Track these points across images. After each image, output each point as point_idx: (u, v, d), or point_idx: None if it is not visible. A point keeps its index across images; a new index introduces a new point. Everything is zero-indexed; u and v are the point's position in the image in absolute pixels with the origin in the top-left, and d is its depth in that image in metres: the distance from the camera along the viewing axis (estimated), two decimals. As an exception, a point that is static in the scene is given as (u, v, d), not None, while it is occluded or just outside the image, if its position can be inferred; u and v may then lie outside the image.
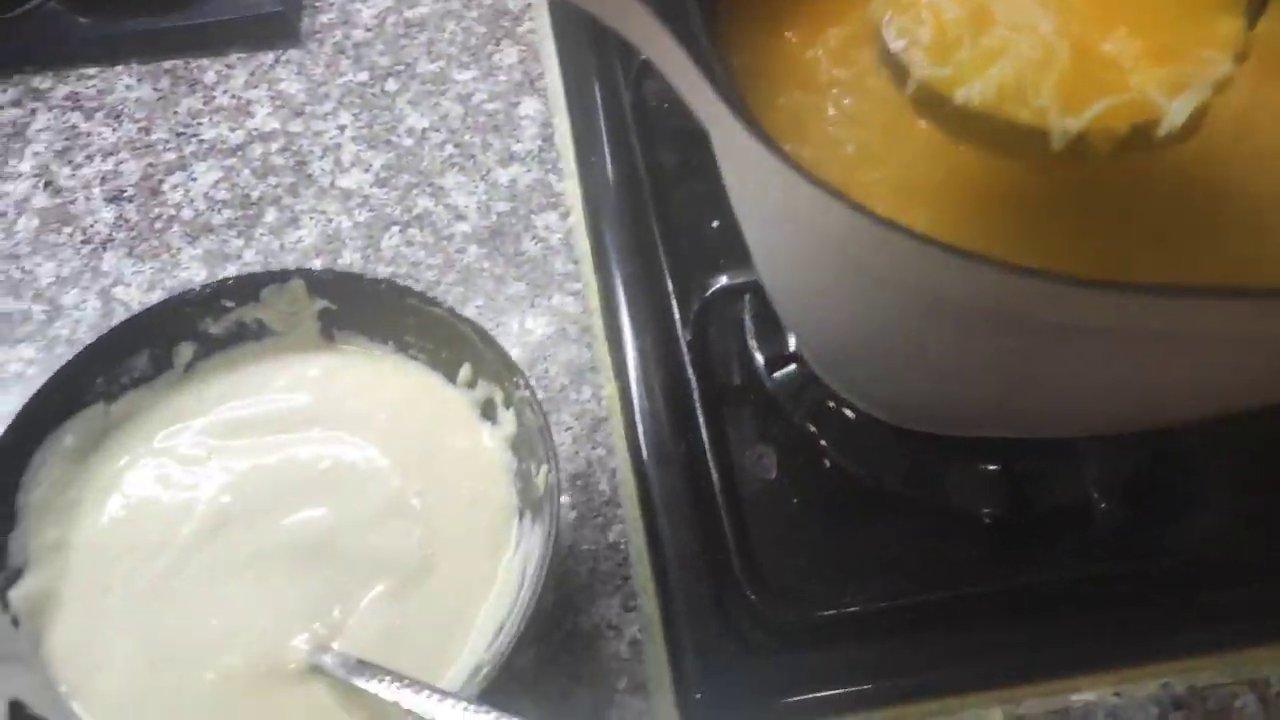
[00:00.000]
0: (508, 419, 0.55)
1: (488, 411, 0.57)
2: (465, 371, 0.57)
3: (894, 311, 0.42)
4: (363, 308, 0.58)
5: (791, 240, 0.44)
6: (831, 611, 0.56)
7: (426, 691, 0.45)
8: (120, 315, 0.69)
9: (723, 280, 0.63)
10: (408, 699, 0.45)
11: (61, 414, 0.55)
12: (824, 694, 0.54)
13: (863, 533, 0.60)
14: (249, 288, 0.58)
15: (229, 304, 0.58)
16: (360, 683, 0.47)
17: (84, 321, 0.69)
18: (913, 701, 0.54)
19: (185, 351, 0.58)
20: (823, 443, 0.63)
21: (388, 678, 0.47)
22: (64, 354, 0.67)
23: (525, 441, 0.54)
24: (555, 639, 0.56)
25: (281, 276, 0.58)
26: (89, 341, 0.65)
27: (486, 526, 0.53)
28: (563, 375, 0.66)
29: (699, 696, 0.54)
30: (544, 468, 0.52)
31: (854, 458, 0.62)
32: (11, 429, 0.53)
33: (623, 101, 0.78)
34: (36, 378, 0.66)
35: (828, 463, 0.62)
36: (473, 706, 0.44)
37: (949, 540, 0.59)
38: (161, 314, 0.57)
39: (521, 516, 0.53)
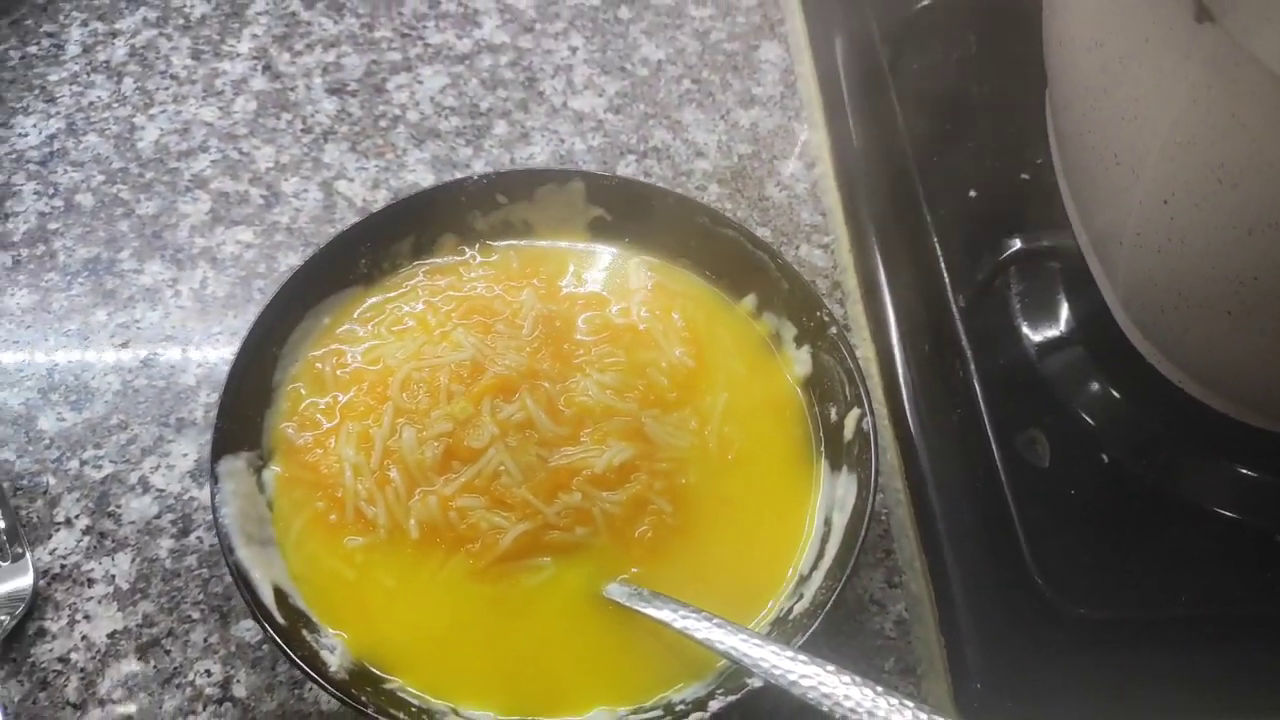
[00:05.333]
0: (800, 357, 0.50)
1: (774, 345, 0.52)
2: (749, 302, 0.52)
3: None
4: (641, 220, 0.54)
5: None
6: (1130, 613, 0.51)
7: (736, 631, 0.40)
8: (343, 209, 0.65)
9: (1016, 245, 0.58)
10: (712, 634, 0.40)
11: (323, 292, 0.50)
12: (1122, 703, 0.49)
13: (1150, 535, 0.54)
14: (525, 184, 0.53)
15: (502, 199, 0.54)
16: (652, 612, 0.42)
17: (305, 211, 0.65)
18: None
19: (448, 242, 0.54)
20: (1101, 436, 0.57)
21: (686, 611, 0.41)
22: (283, 241, 0.63)
23: (822, 382, 0.49)
24: (816, 606, 0.51)
25: (561, 176, 0.53)
26: (307, 230, 0.62)
27: (778, 465, 0.48)
28: (817, 329, 0.61)
29: (978, 686, 0.49)
30: (855, 411, 0.47)
31: (1139, 459, 0.56)
32: (274, 304, 0.49)
33: (879, 58, 0.73)
34: (254, 261, 0.62)
35: (1105, 457, 0.57)
36: (788, 652, 0.39)
37: (1246, 555, 0.53)
38: (432, 200, 0.53)
39: (821, 460, 0.48)
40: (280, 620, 0.41)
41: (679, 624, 0.41)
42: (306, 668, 0.39)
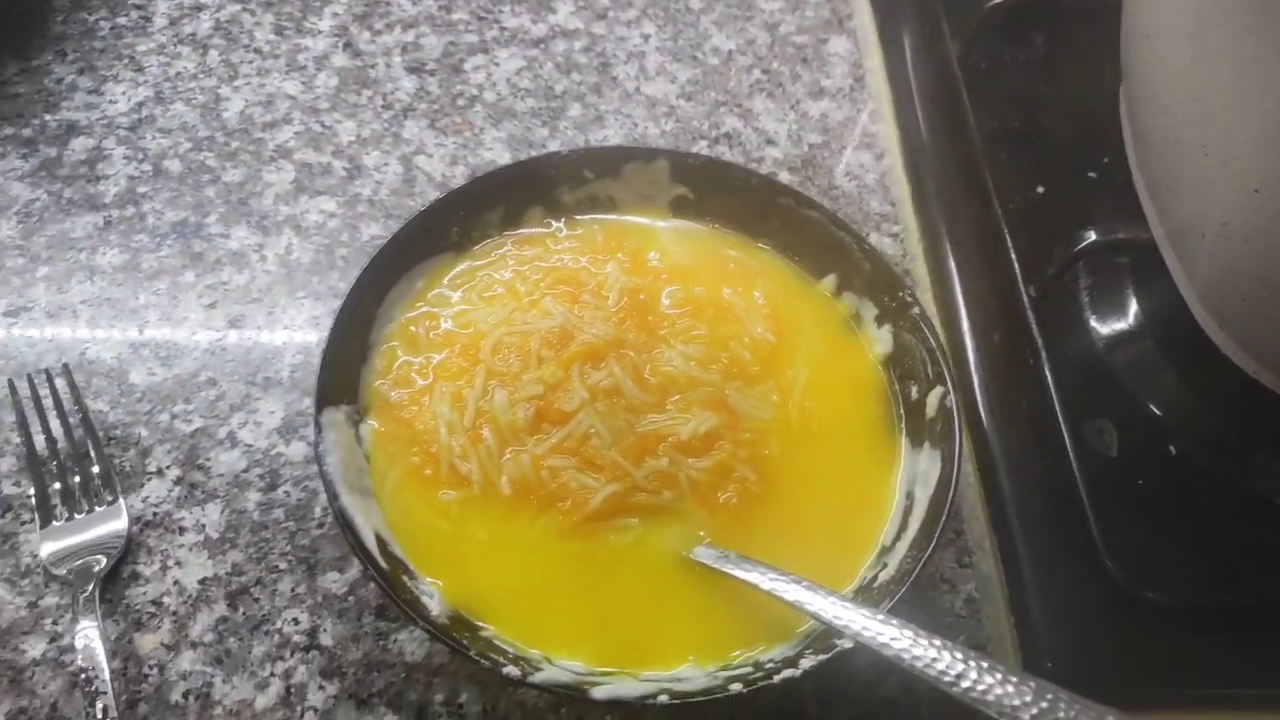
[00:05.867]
0: (881, 336, 0.51)
1: (854, 325, 0.53)
2: (830, 281, 0.53)
3: None
4: (724, 199, 0.55)
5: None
6: (1199, 600, 0.51)
7: (826, 594, 0.41)
8: (422, 183, 0.66)
9: (1090, 237, 0.59)
10: (801, 596, 0.41)
11: (417, 257, 0.52)
12: (1189, 686, 0.50)
13: (1219, 525, 0.55)
14: (613, 160, 0.55)
15: (589, 174, 0.55)
16: (740, 574, 0.43)
17: (385, 184, 0.66)
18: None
19: (535, 215, 0.55)
20: (1170, 428, 0.58)
21: (774, 574, 0.42)
22: (365, 212, 0.65)
23: (903, 360, 0.50)
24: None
25: (647, 154, 0.55)
26: (388, 202, 0.63)
27: (859, 439, 0.49)
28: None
29: (1049, 665, 0.50)
30: (938, 389, 0.48)
31: (1208, 451, 0.57)
32: (372, 268, 0.50)
33: (948, 55, 0.74)
34: (337, 230, 0.63)
35: (1174, 449, 0.58)
36: (879, 615, 0.40)
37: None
38: (522, 173, 0.54)
39: (902, 436, 0.49)
40: (383, 565, 0.42)
41: (767, 585, 0.42)
42: (411, 611, 0.40)
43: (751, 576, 0.43)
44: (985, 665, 0.38)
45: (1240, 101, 0.44)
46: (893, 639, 0.39)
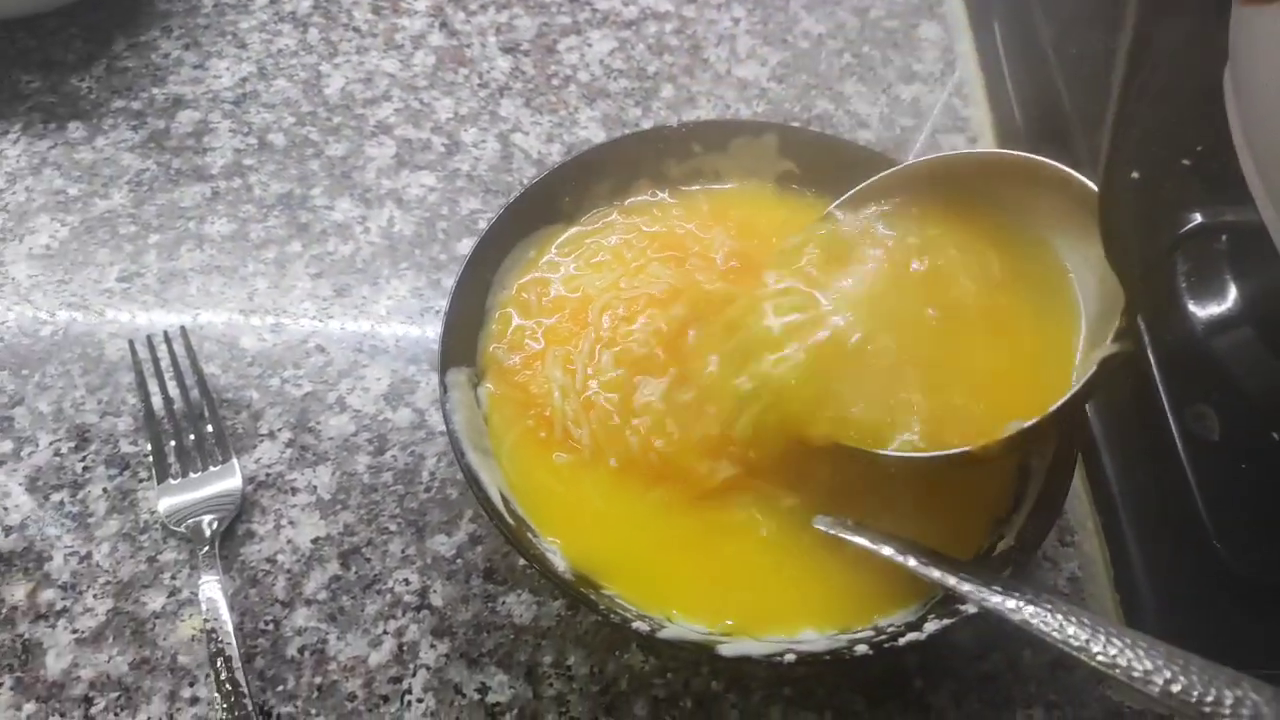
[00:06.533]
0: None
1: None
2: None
3: None
4: (831, 173, 0.55)
5: None
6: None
7: (948, 560, 0.41)
8: (519, 160, 0.67)
9: (1197, 218, 0.58)
10: (924, 563, 0.41)
11: (530, 226, 0.53)
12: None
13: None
14: (721, 134, 0.55)
15: (697, 148, 0.55)
16: (862, 540, 0.43)
17: (484, 160, 0.67)
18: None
19: (642, 186, 0.55)
20: (1271, 416, 0.57)
21: (896, 542, 0.43)
22: (464, 186, 0.65)
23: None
24: (990, 558, 0.52)
25: (755, 129, 0.55)
26: (486, 178, 0.64)
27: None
28: (985, 295, 0.62)
29: (1157, 646, 0.49)
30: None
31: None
32: (489, 235, 0.51)
33: (1040, 39, 0.74)
34: (437, 204, 0.64)
35: (1276, 436, 0.57)
36: (999, 582, 0.40)
37: None
38: (631, 146, 0.55)
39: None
40: (509, 521, 0.43)
41: (888, 551, 0.42)
42: (540, 566, 0.41)
43: (873, 543, 0.43)
44: (1113, 632, 0.37)
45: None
46: (1020, 605, 0.39)
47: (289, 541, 0.51)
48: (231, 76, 0.70)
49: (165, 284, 0.60)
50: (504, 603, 0.50)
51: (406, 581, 0.50)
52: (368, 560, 0.51)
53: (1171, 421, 0.55)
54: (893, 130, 0.71)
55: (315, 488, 0.53)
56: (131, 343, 0.56)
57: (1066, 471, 0.44)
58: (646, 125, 0.70)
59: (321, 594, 0.50)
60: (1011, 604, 0.39)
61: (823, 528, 0.44)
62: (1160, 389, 0.56)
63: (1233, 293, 0.62)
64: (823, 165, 0.55)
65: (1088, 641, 0.38)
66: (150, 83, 0.69)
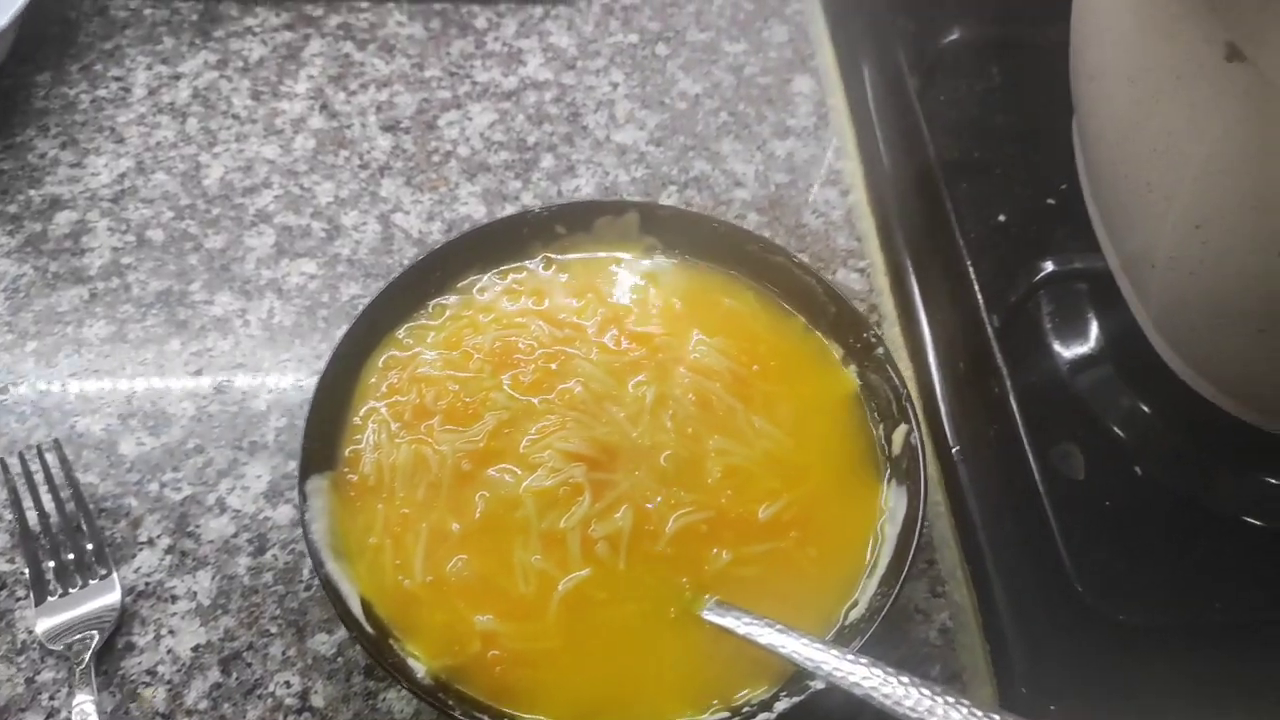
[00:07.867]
0: (846, 376, 0.53)
1: (824, 364, 0.54)
2: (799, 324, 0.55)
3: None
4: (694, 247, 0.56)
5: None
6: (1168, 619, 0.53)
7: (798, 635, 0.43)
8: (400, 241, 0.68)
9: (1048, 267, 0.61)
10: (774, 639, 0.43)
11: (392, 322, 0.54)
12: (1162, 707, 0.51)
13: (1184, 544, 0.57)
14: (584, 215, 0.56)
15: (561, 230, 0.56)
16: (716, 619, 0.44)
17: (364, 243, 0.68)
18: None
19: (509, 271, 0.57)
20: (1134, 449, 0.60)
21: (749, 618, 0.44)
22: (344, 271, 0.66)
23: (872, 400, 0.51)
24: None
25: (617, 208, 0.56)
26: (367, 261, 0.65)
27: (844, 478, 0.51)
28: (857, 350, 0.63)
29: (1024, 691, 0.51)
30: (902, 427, 0.49)
31: (1170, 471, 0.59)
32: (345, 341, 0.52)
33: (907, 89, 0.76)
34: (318, 291, 0.65)
35: (1139, 470, 0.59)
36: (849, 655, 0.41)
37: (1278, 562, 0.55)
38: (496, 232, 0.56)
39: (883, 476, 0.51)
40: (370, 630, 0.43)
41: (742, 630, 0.44)
42: (397, 675, 0.42)
43: (726, 622, 0.44)
44: (951, 701, 0.39)
45: (1179, 144, 0.46)
46: (863, 678, 0.41)
47: (169, 651, 0.52)
48: (110, 173, 0.71)
49: (42, 392, 0.60)
50: (384, 699, 0.50)
51: (288, 684, 0.51)
52: (249, 665, 0.51)
53: (1034, 465, 0.57)
54: (767, 188, 0.72)
55: (195, 594, 0.53)
56: (2, 459, 0.56)
57: (909, 539, 0.45)
58: (527, 198, 0.71)
59: (202, 703, 0.50)
60: (855, 676, 0.41)
61: (712, 617, 0.45)
62: (1022, 432, 0.58)
63: (1094, 332, 0.65)
64: (683, 240, 0.56)
65: (928, 712, 0.39)
66: (26, 184, 0.69)
